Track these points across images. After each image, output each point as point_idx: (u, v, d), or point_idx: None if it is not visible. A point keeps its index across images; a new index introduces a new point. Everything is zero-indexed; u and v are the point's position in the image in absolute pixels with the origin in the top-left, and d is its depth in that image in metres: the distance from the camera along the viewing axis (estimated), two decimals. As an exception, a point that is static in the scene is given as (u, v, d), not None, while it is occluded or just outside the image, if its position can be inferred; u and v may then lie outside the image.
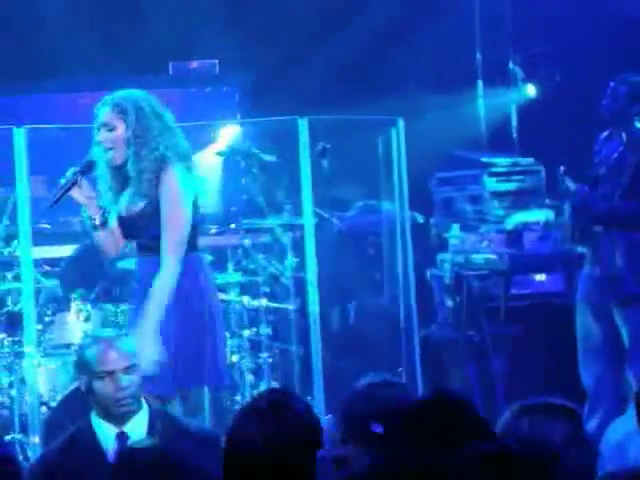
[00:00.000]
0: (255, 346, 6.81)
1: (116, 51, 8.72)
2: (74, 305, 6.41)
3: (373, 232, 7.58)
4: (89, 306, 6.51)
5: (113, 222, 4.89)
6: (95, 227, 4.86)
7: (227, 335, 6.80)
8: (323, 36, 8.82)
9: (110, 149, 4.76)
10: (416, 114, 7.57)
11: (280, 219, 7.05)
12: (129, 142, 4.72)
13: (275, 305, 6.95)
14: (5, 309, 6.45)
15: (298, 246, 6.82)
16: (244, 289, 6.99)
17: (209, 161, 9.15)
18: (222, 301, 6.89)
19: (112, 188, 4.86)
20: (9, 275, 6.42)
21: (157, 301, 4.71)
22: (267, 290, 7.00)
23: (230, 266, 7.00)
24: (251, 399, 2.95)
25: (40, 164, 6.20)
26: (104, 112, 4.78)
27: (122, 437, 4.19)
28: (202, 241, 7.66)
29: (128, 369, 4.20)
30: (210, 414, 6.52)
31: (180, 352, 4.78)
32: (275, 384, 6.76)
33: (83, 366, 4.25)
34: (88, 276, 7.03)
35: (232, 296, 6.90)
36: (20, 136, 5.78)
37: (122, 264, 6.71)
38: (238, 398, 6.70)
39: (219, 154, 7.78)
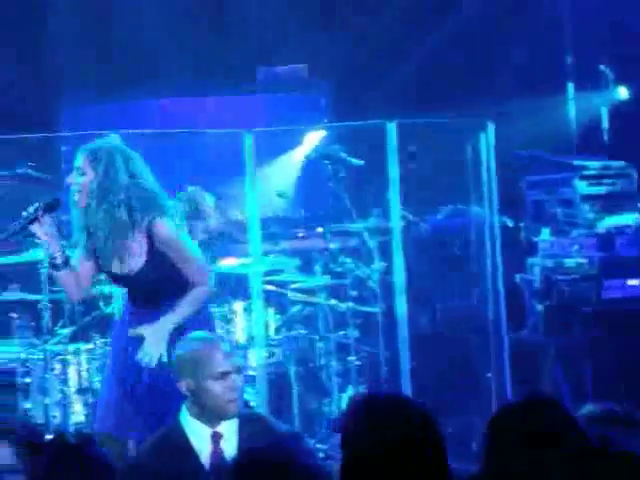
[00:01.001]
0: (343, 349, 6.81)
1: (205, 57, 8.81)
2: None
3: (461, 236, 7.53)
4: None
5: (75, 262, 4.86)
6: (55, 266, 4.84)
7: (316, 338, 6.86)
8: (410, 40, 8.80)
9: (78, 192, 4.79)
10: (506, 117, 7.52)
11: (367, 222, 7.04)
12: (92, 193, 4.74)
13: (362, 308, 6.95)
14: (98, 311, 6.56)
15: (385, 249, 6.81)
16: (331, 292, 7.01)
17: (294, 165, 9.22)
18: (310, 304, 6.98)
19: (82, 229, 4.85)
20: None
21: (183, 307, 4.74)
22: (354, 293, 7.01)
23: (317, 269, 7.02)
24: (364, 397, 2.92)
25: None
26: (80, 156, 4.82)
27: (217, 437, 4.23)
28: (289, 244, 7.82)
29: (239, 369, 4.27)
30: (299, 416, 6.56)
31: None
32: (362, 387, 6.76)
33: (192, 367, 4.25)
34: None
35: (320, 299, 6.92)
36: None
37: (216, 267, 6.77)
38: (326, 400, 6.72)
39: (307, 158, 7.80)
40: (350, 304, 6.87)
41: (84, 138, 5.09)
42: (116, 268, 4.83)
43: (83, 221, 4.81)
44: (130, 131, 6.24)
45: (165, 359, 4.67)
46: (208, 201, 7.16)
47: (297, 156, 9.25)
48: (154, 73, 8.90)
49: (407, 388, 6.14)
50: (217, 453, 4.21)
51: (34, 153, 6.35)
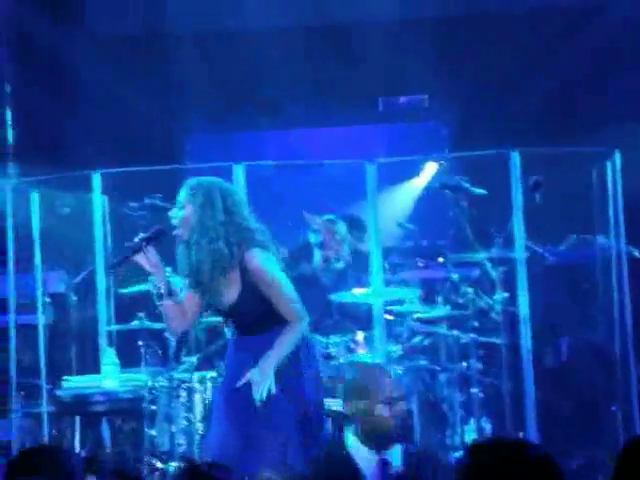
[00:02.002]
0: (465, 380, 6.75)
1: (326, 88, 8.88)
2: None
3: (587, 266, 7.40)
4: (302, 337, 6.61)
5: (183, 295, 4.94)
6: (160, 296, 4.92)
7: (438, 368, 6.82)
8: (532, 69, 8.74)
9: (178, 225, 4.88)
10: (632, 145, 7.38)
11: (489, 253, 6.97)
12: (192, 227, 4.83)
13: (485, 339, 6.87)
14: (222, 340, 6.63)
15: (508, 280, 6.73)
16: (453, 323, 6.96)
17: (413, 194, 9.21)
18: (431, 334, 6.94)
19: (187, 262, 4.91)
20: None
21: (280, 348, 4.79)
22: (475, 324, 6.94)
23: (439, 299, 6.98)
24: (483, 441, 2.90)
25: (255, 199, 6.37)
26: (182, 192, 4.92)
27: (384, 463, 4.27)
28: (410, 274, 7.79)
29: (404, 397, 4.40)
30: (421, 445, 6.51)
31: None
32: (485, 419, 6.68)
33: (364, 391, 4.29)
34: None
35: (441, 329, 6.88)
36: (239, 172, 5.96)
37: (337, 297, 6.80)
38: (448, 432, 6.66)
39: (428, 187, 7.78)
40: (472, 335, 6.81)
41: (210, 169, 5.19)
42: (217, 301, 4.93)
43: (187, 255, 4.89)
44: (254, 163, 6.34)
45: (274, 391, 4.73)
46: (340, 229, 7.21)
47: (416, 186, 9.25)
48: (276, 104, 9.01)
49: (531, 421, 6.06)
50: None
51: (162, 184, 6.47)
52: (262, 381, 4.74)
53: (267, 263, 4.85)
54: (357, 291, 6.84)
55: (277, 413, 4.77)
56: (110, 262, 4.96)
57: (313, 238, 7.33)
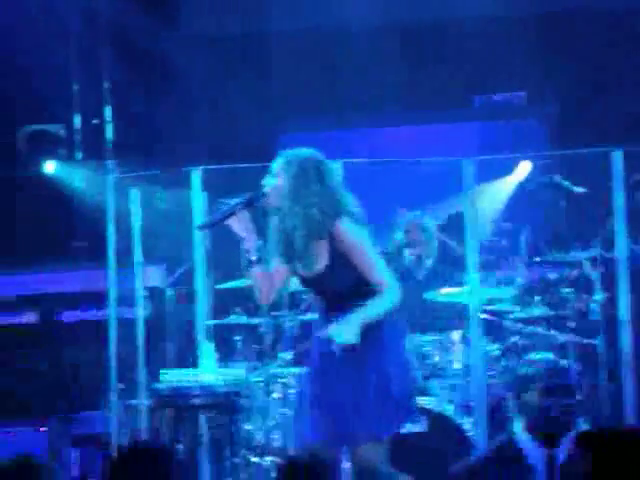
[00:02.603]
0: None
1: (422, 85, 8.85)
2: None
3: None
4: (397, 335, 6.60)
5: (274, 265, 4.92)
6: (249, 262, 4.90)
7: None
8: (632, 65, 8.59)
9: (265, 195, 4.87)
10: None
11: (588, 252, 6.89)
12: (285, 195, 4.83)
13: (583, 340, 6.79)
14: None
15: (606, 281, 6.64)
16: (550, 323, 6.89)
17: (507, 192, 9.13)
18: (528, 334, 6.87)
19: (278, 232, 4.91)
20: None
21: (369, 310, 4.75)
22: (573, 325, 6.86)
23: (536, 299, 6.91)
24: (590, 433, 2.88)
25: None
26: (277, 161, 4.93)
27: (553, 458, 4.17)
28: (506, 273, 7.72)
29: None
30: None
31: None
32: (584, 421, 6.60)
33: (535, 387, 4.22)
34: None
35: (538, 330, 6.81)
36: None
37: (432, 295, 6.77)
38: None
39: (525, 186, 7.71)
40: (570, 335, 6.73)
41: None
42: (305, 270, 4.90)
43: (280, 223, 4.90)
44: (351, 160, 6.34)
45: (358, 340, 4.69)
46: (429, 224, 7.18)
47: (509, 184, 9.16)
48: (370, 102, 9.01)
49: (631, 422, 5.96)
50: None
51: (258, 182, 6.51)
52: (345, 327, 4.71)
53: (358, 233, 4.84)
54: (452, 290, 6.81)
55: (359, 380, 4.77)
56: (203, 222, 4.97)
57: (399, 236, 7.30)
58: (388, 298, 4.83)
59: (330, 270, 4.85)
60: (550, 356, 6.07)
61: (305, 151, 4.95)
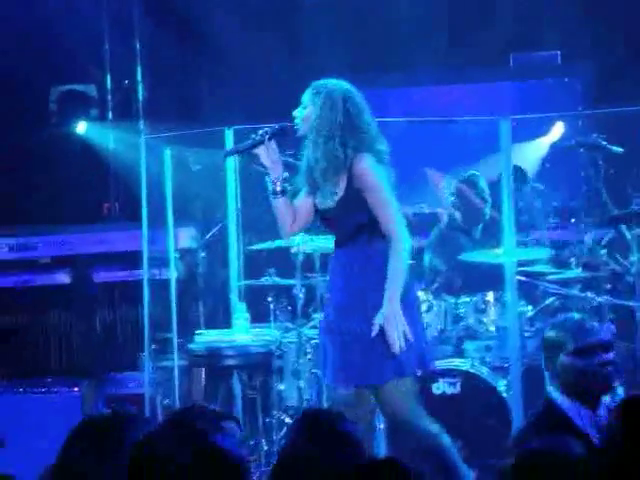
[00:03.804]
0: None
1: (458, 44, 8.75)
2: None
3: None
4: (431, 297, 6.58)
5: (299, 199, 4.92)
6: (274, 192, 4.89)
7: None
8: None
9: (300, 123, 4.86)
10: None
11: (625, 213, 6.79)
12: (311, 125, 4.81)
13: (619, 301, 6.71)
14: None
15: (644, 241, 6.54)
16: (586, 285, 6.81)
17: (542, 153, 9.03)
18: (564, 296, 6.80)
19: (305, 165, 4.89)
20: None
21: (394, 281, 4.69)
22: (608, 286, 6.78)
23: (572, 261, 6.84)
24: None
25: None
26: (307, 92, 4.91)
27: (596, 417, 4.02)
28: (541, 234, 7.66)
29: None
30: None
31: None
32: (619, 383, 6.54)
33: (555, 344, 4.15)
34: (431, 268, 7.10)
35: (574, 292, 6.75)
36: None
37: (464, 257, 6.72)
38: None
39: (561, 146, 7.61)
40: (606, 297, 6.65)
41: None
42: (321, 203, 4.88)
43: (307, 156, 4.89)
44: (387, 120, 6.27)
45: (410, 336, 4.68)
46: (483, 186, 7.11)
47: (544, 144, 9.06)
48: (405, 61, 8.91)
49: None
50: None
51: (291, 142, 6.46)
52: (392, 325, 4.67)
53: (376, 169, 4.77)
54: (486, 251, 6.75)
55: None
56: (231, 149, 4.95)
57: (450, 199, 7.23)
58: (399, 251, 4.73)
59: (342, 205, 4.80)
60: (575, 316, 6.00)
61: (334, 81, 4.92)
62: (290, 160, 6.66)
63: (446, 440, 4.92)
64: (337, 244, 4.93)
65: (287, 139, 4.97)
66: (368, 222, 4.79)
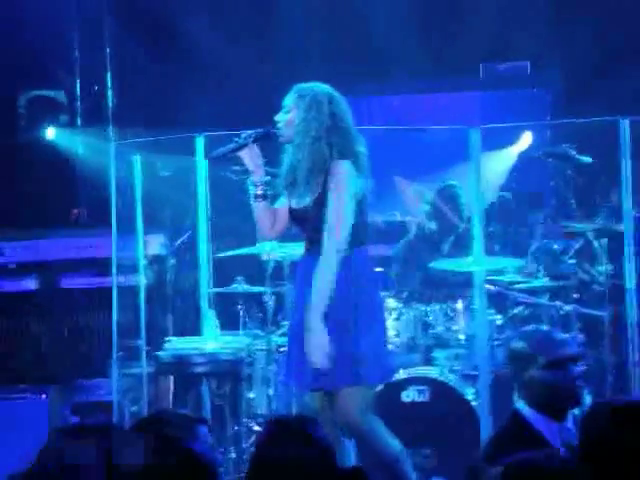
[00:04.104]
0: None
1: (429, 53, 8.78)
2: (386, 303, 6.47)
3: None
4: (401, 304, 6.58)
5: (279, 203, 4.95)
6: (256, 196, 4.92)
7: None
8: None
9: (283, 128, 4.87)
10: None
11: (594, 223, 6.84)
12: (296, 128, 4.82)
13: (588, 311, 6.75)
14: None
15: (613, 251, 6.59)
16: (554, 294, 6.85)
17: (509, 163, 9.08)
18: (533, 305, 6.83)
19: (288, 167, 4.89)
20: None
21: (319, 291, 4.72)
22: (576, 296, 6.82)
23: (540, 270, 6.87)
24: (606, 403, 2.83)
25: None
26: (289, 96, 4.93)
27: (565, 430, 3.98)
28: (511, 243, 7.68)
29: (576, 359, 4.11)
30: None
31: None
32: (587, 392, 6.57)
33: (523, 357, 4.09)
34: (400, 277, 7.11)
35: (543, 300, 6.78)
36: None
37: (436, 265, 6.73)
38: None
39: (533, 156, 7.65)
40: (574, 306, 6.69)
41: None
42: (296, 203, 4.90)
43: (289, 159, 4.89)
44: (359, 127, 6.27)
45: (327, 349, 4.67)
46: (464, 200, 7.13)
47: (512, 154, 9.11)
48: (375, 70, 8.94)
49: (637, 394, 5.94)
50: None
51: (263, 149, 6.46)
52: (311, 341, 4.68)
53: (349, 175, 4.77)
54: (455, 260, 6.77)
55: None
56: (215, 152, 4.95)
57: (425, 208, 7.26)
58: (331, 263, 4.72)
59: (314, 205, 4.83)
60: (543, 327, 6.01)
61: (319, 85, 4.94)
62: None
63: (403, 457, 4.90)
64: (307, 246, 4.94)
65: (268, 142, 4.98)
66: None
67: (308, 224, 4.89)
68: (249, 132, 4.93)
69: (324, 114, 4.82)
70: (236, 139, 4.93)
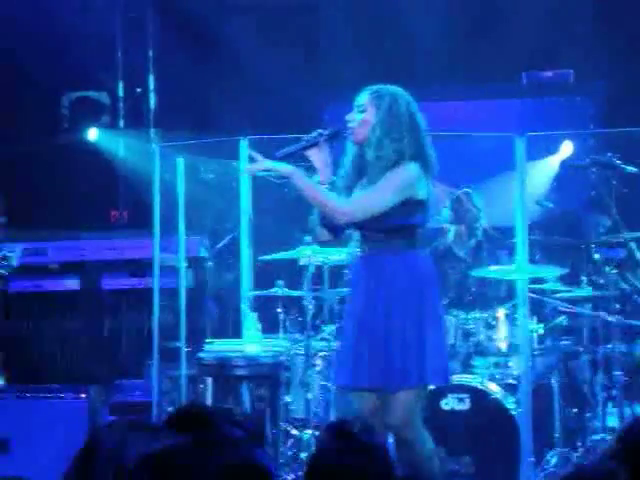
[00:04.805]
0: (608, 363, 6.59)
1: (471, 60, 8.75)
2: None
3: None
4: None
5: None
6: None
7: (581, 349, 6.69)
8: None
9: (354, 128, 4.81)
10: None
11: (637, 233, 6.78)
12: (374, 127, 4.77)
13: (630, 322, 6.70)
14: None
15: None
16: (596, 304, 6.80)
17: (551, 171, 9.01)
18: (575, 314, 6.78)
19: (350, 169, 4.86)
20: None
21: (316, 192, 4.72)
22: (617, 306, 6.76)
23: (583, 279, 6.83)
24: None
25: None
26: (362, 96, 4.87)
27: None
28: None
29: None
30: (560, 428, 6.39)
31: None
32: (628, 403, 6.53)
33: None
34: (442, 281, 7.08)
35: (585, 310, 6.74)
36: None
37: (476, 272, 6.71)
38: (589, 415, 6.53)
39: (577, 165, 7.59)
40: (617, 317, 6.63)
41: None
42: None
43: (355, 159, 4.86)
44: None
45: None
46: (477, 202, 7.09)
47: (553, 163, 9.05)
48: (416, 75, 8.91)
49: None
50: None
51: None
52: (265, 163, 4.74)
53: (410, 177, 4.74)
54: (498, 267, 6.73)
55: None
56: (284, 150, 4.85)
57: (445, 212, 7.23)
58: (343, 208, 4.72)
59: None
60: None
61: (395, 87, 4.92)
62: (304, 171, 6.68)
63: (436, 463, 4.91)
64: (371, 246, 4.88)
65: (338, 141, 4.94)
66: (407, 225, 4.80)
67: (372, 228, 4.83)
68: (319, 130, 4.87)
69: (404, 115, 4.81)
70: (306, 137, 4.87)
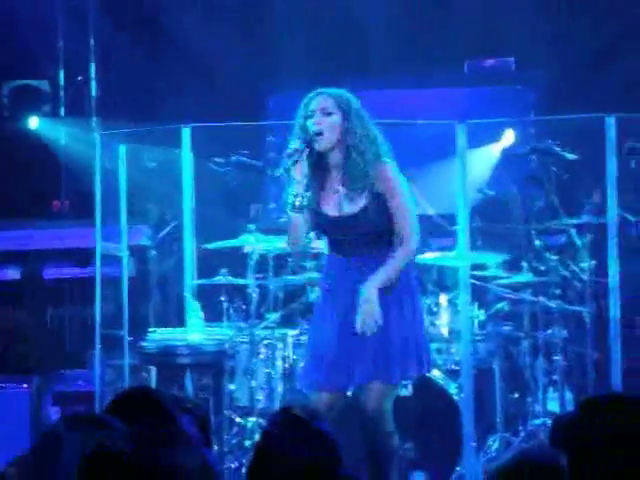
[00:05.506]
0: (549, 348, 6.67)
1: (413, 49, 8.80)
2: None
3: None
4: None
5: (305, 213, 4.85)
6: (293, 207, 4.79)
7: (522, 335, 6.76)
8: (626, 29, 8.54)
9: (321, 133, 4.75)
10: None
11: (576, 219, 6.86)
12: (348, 130, 4.76)
13: (571, 307, 6.78)
14: (304, 298, 6.63)
15: (596, 248, 6.62)
16: (537, 290, 6.87)
17: (492, 159, 9.08)
18: (516, 301, 6.85)
19: (311, 179, 4.83)
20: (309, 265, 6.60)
21: (392, 269, 4.76)
22: (558, 292, 6.84)
23: (524, 266, 6.89)
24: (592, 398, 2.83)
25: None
26: (322, 99, 4.81)
27: None
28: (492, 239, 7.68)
29: None
30: (500, 413, 6.46)
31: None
32: (568, 388, 6.61)
33: None
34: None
35: (527, 296, 6.80)
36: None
37: (418, 259, 6.72)
38: (529, 399, 6.60)
39: (517, 153, 7.66)
40: (558, 302, 6.71)
41: (290, 127, 5.08)
42: (337, 210, 4.85)
43: (322, 162, 4.83)
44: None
45: (380, 322, 4.72)
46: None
47: (494, 151, 9.11)
48: (359, 64, 8.94)
49: (617, 391, 5.96)
50: None
51: (246, 141, 6.44)
52: (368, 311, 4.71)
53: (399, 175, 4.85)
54: (440, 254, 6.77)
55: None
56: (283, 165, 4.73)
57: None
58: (409, 250, 4.81)
59: (364, 212, 4.80)
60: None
61: (343, 90, 4.91)
62: (246, 160, 6.68)
63: (396, 441, 4.99)
64: (351, 250, 4.89)
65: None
66: (387, 228, 4.83)
67: (354, 231, 4.85)
68: (297, 141, 4.74)
69: (366, 116, 4.84)
70: (289, 153, 4.73)
